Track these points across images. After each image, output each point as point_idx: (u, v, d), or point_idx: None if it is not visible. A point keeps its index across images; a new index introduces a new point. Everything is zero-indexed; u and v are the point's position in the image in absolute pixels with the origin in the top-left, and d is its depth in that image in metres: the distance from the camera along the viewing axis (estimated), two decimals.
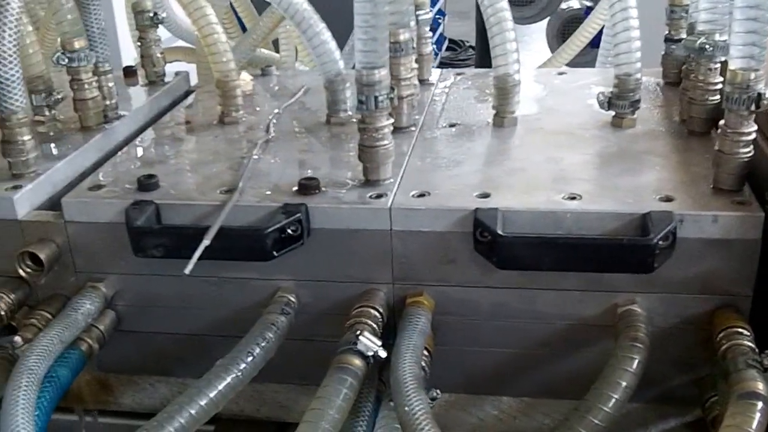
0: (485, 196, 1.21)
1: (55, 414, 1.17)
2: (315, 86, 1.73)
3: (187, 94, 1.90)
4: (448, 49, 6.63)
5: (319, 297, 1.27)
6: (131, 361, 1.39)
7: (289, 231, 1.19)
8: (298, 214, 1.19)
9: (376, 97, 1.20)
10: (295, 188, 1.26)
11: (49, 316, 1.29)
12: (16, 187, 1.32)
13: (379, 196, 1.22)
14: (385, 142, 1.24)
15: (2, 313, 1.28)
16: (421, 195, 1.22)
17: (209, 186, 1.30)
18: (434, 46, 2.86)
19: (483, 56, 2.60)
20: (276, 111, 1.59)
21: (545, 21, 5.97)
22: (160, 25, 1.80)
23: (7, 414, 1.03)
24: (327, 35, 1.47)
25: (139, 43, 1.81)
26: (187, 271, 1.12)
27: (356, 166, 1.34)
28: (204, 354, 1.34)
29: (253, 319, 1.27)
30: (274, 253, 1.18)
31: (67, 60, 1.49)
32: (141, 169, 1.38)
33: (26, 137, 1.34)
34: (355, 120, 1.51)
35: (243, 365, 1.11)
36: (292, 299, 1.25)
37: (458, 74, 1.82)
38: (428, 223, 1.19)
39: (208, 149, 1.48)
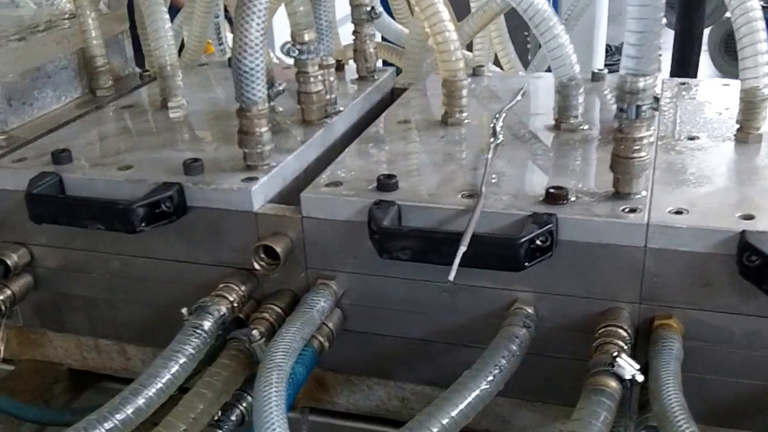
0: (749, 217, 1.13)
1: None
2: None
3: (392, 91, 1.88)
4: None
5: (557, 311, 1.22)
6: (350, 361, 1.37)
7: (538, 242, 1.14)
8: (550, 225, 1.14)
9: (638, 106, 1.13)
10: (541, 196, 1.21)
11: (279, 310, 1.28)
12: (252, 179, 1.32)
13: (632, 210, 1.16)
14: (643, 153, 1.17)
15: (234, 305, 1.28)
16: (678, 212, 1.16)
17: (447, 189, 1.27)
18: None
19: (679, 65, 2.50)
20: (500, 114, 1.54)
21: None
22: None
23: (260, 410, 1.02)
24: (565, 39, 1.41)
25: (353, 37, 1.79)
26: (450, 277, 1.08)
27: (585, 176, 1.30)
28: (427, 360, 1.32)
29: (483, 329, 1.23)
30: (526, 263, 1.13)
31: (297, 52, 1.48)
32: (374, 167, 1.36)
33: (263, 129, 1.34)
34: (585, 127, 1.46)
35: (490, 377, 1.08)
36: (531, 312, 1.21)
37: (681, 84, 1.73)
38: (687, 243, 1.12)
39: (435, 150, 1.44)
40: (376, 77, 1.82)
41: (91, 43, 1.85)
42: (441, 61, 1.50)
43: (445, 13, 1.47)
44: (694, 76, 2.60)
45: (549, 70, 2.19)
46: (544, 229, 1.13)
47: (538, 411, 1.31)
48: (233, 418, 1.20)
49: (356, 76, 1.83)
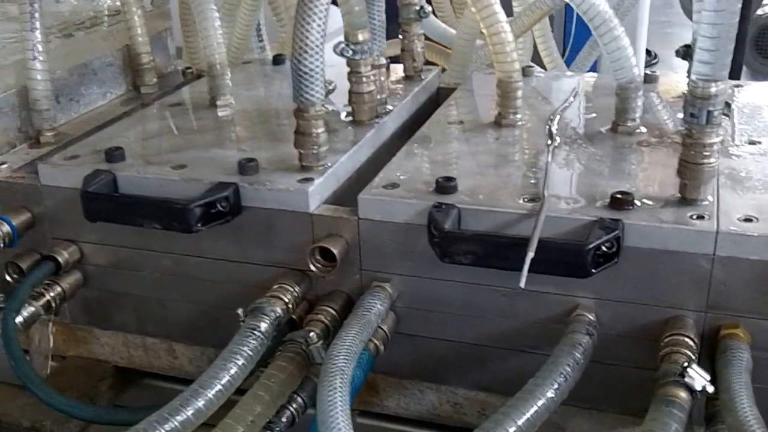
0: None
1: None
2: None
3: (438, 90, 1.86)
4: None
5: (618, 318, 1.20)
6: (402, 365, 1.35)
7: (604, 248, 1.12)
8: (617, 231, 1.12)
9: (709, 112, 1.11)
10: (602, 201, 1.19)
11: (334, 312, 1.27)
12: (308, 180, 1.30)
13: (700, 217, 1.14)
14: (712, 160, 1.15)
15: (289, 306, 1.26)
16: (748, 219, 1.13)
17: (507, 192, 1.25)
18: None
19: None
20: (554, 115, 1.52)
21: None
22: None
23: (326, 415, 1.00)
24: (625, 41, 1.39)
25: (401, 36, 1.77)
26: (522, 284, 1.06)
27: (647, 180, 1.28)
28: (481, 365, 1.30)
29: (541, 335, 1.22)
30: (593, 270, 1.11)
31: (351, 52, 1.46)
32: (429, 169, 1.34)
33: (320, 129, 1.33)
34: (643, 130, 1.44)
35: (556, 385, 1.06)
36: (593, 318, 1.18)
37: (735, 86, 1.71)
38: (758, 251, 1.10)
39: (490, 151, 1.43)
40: (423, 77, 1.80)
41: (137, 40, 1.84)
42: (497, 62, 1.48)
43: (501, 14, 1.45)
44: (738, 77, 2.57)
45: (591, 69, 2.18)
46: (611, 235, 1.11)
47: (594, 419, 1.29)
48: (284, 419, 1.18)
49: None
